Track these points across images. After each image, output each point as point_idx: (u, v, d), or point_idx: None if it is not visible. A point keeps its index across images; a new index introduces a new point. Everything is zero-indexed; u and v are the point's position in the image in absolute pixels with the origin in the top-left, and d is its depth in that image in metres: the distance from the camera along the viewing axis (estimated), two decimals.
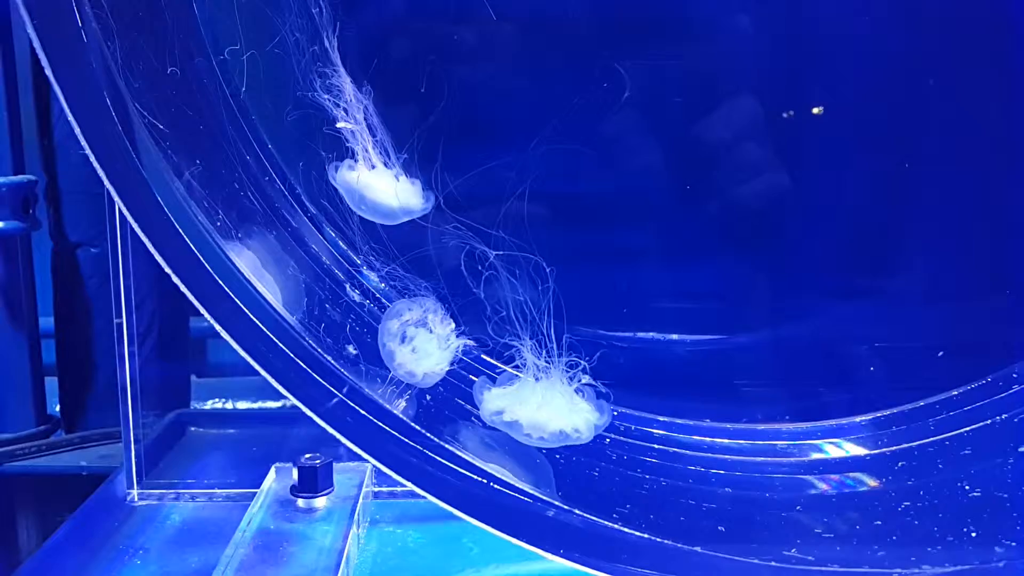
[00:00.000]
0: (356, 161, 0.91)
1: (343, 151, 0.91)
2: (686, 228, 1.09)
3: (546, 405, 0.91)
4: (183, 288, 0.80)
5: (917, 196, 1.07)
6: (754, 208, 1.07)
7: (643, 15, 1.03)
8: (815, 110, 1.05)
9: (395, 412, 0.91)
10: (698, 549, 0.82)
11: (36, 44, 0.73)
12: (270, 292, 0.87)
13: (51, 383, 1.40)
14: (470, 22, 1.01)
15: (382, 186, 0.91)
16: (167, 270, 0.78)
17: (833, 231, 1.09)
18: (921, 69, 1.03)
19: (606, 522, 0.86)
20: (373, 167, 0.92)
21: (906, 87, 1.04)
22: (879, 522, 0.91)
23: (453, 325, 0.96)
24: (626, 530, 0.83)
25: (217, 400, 1.56)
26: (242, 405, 1.56)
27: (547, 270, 0.93)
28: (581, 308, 0.96)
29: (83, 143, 0.75)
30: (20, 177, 1.29)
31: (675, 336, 1.12)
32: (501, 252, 0.94)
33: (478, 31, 1.02)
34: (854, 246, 1.09)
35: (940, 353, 1.06)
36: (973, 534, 0.87)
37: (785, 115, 1.05)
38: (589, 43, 1.02)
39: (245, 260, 0.85)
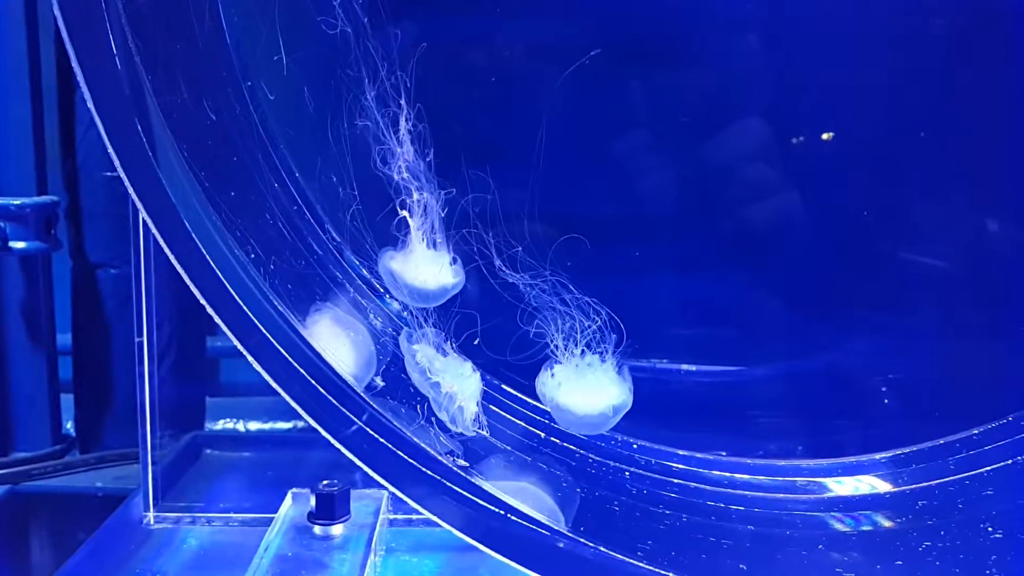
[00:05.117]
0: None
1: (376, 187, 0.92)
2: (699, 250, 1.09)
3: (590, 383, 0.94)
4: (225, 328, 0.81)
5: (937, 228, 1.07)
6: (766, 232, 1.07)
7: (652, 36, 1.04)
8: (825, 136, 1.05)
9: (413, 440, 0.91)
10: None
11: (79, 76, 0.74)
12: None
13: (64, 400, 1.41)
14: (479, 45, 1.02)
15: (420, 271, 0.93)
16: (202, 300, 0.79)
17: (848, 262, 1.09)
18: (941, 92, 1.03)
19: (626, 558, 0.85)
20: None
21: (929, 113, 1.04)
22: (900, 562, 0.90)
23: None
24: (648, 567, 0.83)
25: (228, 420, 1.56)
26: (253, 426, 1.55)
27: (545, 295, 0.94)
28: (595, 334, 0.96)
29: (125, 180, 0.77)
30: (43, 198, 1.29)
31: (692, 367, 1.12)
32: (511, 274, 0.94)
33: (486, 53, 1.02)
34: (872, 278, 1.09)
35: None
36: None
37: (795, 140, 1.06)
38: (599, 64, 1.02)
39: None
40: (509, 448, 0.98)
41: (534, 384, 0.98)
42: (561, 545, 0.87)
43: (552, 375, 0.95)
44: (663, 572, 0.83)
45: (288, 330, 0.87)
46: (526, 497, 0.91)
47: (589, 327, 0.94)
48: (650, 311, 1.10)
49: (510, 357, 0.97)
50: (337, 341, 0.92)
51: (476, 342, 0.97)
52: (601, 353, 0.95)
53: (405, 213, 0.93)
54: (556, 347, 0.95)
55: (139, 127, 0.79)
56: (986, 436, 1.02)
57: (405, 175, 0.92)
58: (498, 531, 0.86)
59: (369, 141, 0.92)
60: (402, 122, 0.92)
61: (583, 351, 0.95)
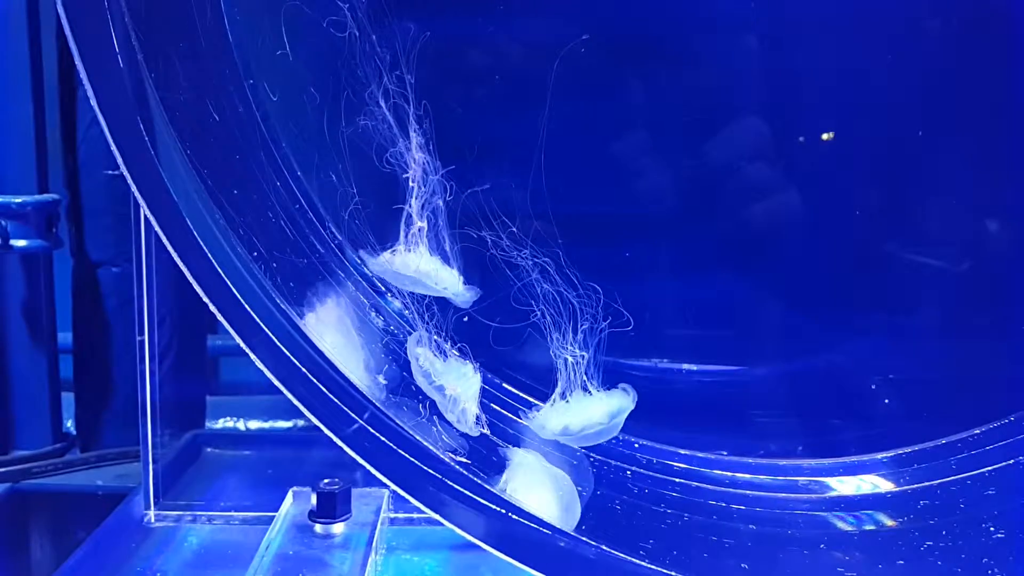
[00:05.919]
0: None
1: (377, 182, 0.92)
2: (699, 250, 1.09)
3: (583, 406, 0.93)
4: (227, 326, 0.81)
5: (937, 228, 1.07)
6: (766, 232, 1.07)
7: (652, 35, 1.04)
8: (825, 136, 1.05)
9: (415, 438, 0.91)
10: None
11: (82, 72, 0.74)
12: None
13: (65, 399, 1.41)
14: (478, 44, 1.02)
15: (420, 264, 0.93)
16: (204, 298, 0.79)
17: (848, 262, 1.09)
18: (941, 92, 1.03)
19: (627, 557, 0.85)
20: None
21: (929, 113, 1.04)
22: (902, 562, 0.91)
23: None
24: (650, 566, 0.83)
25: (229, 419, 1.56)
26: (254, 424, 1.56)
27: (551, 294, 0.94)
28: (595, 334, 0.96)
29: (127, 177, 0.77)
30: (45, 196, 1.29)
31: (694, 367, 1.12)
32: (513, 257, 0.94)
33: (486, 52, 1.03)
34: (872, 278, 1.09)
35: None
36: None
37: (795, 140, 1.06)
38: (598, 64, 1.02)
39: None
40: (511, 447, 0.98)
41: (534, 383, 0.98)
42: (563, 544, 0.86)
43: (541, 410, 0.95)
44: (665, 571, 0.83)
45: (290, 328, 0.87)
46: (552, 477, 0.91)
47: (586, 326, 0.94)
48: (651, 311, 1.10)
49: (502, 347, 0.97)
50: (339, 339, 0.92)
51: (465, 319, 0.97)
52: (588, 373, 0.95)
53: (412, 213, 0.93)
54: (554, 342, 0.95)
55: (141, 124, 0.79)
56: (987, 436, 1.02)
57: (407, 173, 0.92)
58: (500, 530, 0.86)
59: (371, 139, 0.92)
60: (406, 120, 0.92)
61: (579, 351, 0.95)
